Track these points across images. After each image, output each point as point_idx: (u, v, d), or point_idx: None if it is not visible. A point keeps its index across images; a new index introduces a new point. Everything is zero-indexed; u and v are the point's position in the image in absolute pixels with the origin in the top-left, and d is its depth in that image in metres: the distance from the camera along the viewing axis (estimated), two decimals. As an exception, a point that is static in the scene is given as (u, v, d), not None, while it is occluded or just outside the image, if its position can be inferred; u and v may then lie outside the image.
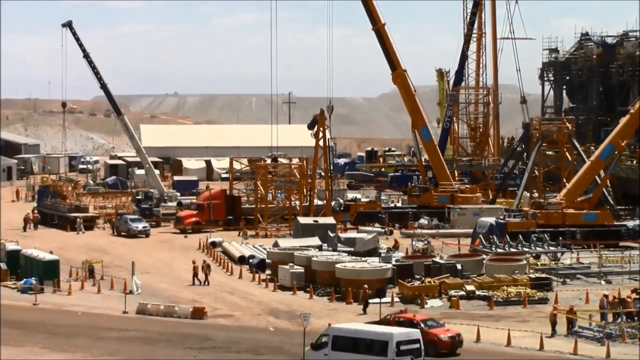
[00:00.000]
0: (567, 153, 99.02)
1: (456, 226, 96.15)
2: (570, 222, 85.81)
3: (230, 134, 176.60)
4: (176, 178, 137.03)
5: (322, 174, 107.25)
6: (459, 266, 67.87)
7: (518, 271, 66.62)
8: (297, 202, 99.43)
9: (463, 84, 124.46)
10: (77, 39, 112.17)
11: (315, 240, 78.31)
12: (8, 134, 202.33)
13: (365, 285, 61.60)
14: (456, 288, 64.05)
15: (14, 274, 70.63)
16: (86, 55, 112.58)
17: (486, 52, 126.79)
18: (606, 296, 56.06)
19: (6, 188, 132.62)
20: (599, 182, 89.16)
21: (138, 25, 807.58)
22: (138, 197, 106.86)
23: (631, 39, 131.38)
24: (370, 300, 60.76)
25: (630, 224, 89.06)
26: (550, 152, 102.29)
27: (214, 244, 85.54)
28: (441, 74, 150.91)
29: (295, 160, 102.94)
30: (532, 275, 66.83)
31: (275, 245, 77.33)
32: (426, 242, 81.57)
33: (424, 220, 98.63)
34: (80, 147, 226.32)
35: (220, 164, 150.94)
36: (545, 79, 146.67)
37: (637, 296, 56.57)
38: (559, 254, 76.12)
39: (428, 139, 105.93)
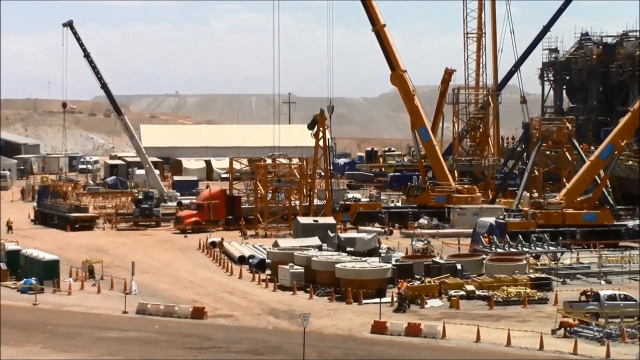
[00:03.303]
0: (567, 153, 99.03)
1: (456, 226, 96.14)
2: (570, 222, 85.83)
3: (230, 134, 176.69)
4: (176, 178, 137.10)
5: (322, 174, 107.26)
6: (459, 266, 67.87)
7: (518, 271, 66.63)
8: (297, 202, 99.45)
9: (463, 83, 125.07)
10: (78, 39, 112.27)
11: (315, 240, 78.31)
12: (8, 134, 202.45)
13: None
14: (456, 288, 64.04)
15: (14, 274, 70.58)
16: (87, 55, 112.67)
17: (486, 52, 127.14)
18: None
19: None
20: (599, 182, 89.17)
21: (138, 25, 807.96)
22: (139, 197, 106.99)
23: (631, 39, 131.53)
24: (370, 300, 60.91)
25: (630, 224, 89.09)
26: (550, 152, 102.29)
27: (213, 244, 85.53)
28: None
29: (295, 160, 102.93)
30: (532, 275, 66.84)
31: (275, 245, 77.33)
32: (426, 242, 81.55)
33: (423, 220, 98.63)
34: (80, 147, 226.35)
35: (220, 164, 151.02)
36: (545, 79, 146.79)
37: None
38: (558, 254, 76.12)
39: (427, 139, 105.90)
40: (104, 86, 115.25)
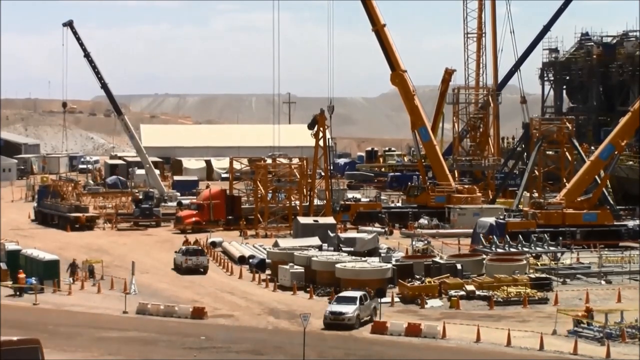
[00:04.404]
0: (567, 153, 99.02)
1: (456, 226, 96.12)
2: (570, 222, 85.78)
3: (230, 134, 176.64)
4: (176, 178, 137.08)
5: (322, 174, 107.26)
6: (459, 266, 67.85)
7: (518, 271, 66.61)
8: (297, 202, 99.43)
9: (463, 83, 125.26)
10: (78, 39, 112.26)
11: (315, 240, 78.31)
12: (8, 134, 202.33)
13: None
14: (456, 288, 64.03)
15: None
16: (87, 55, 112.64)
17: (486, 52, 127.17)
18: None
19: (6, 188, 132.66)
20: (599, 182, 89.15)
21: (138, 25, 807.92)
22: (139, 197, 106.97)
23: (631, 39, 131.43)
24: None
25: (630, 224, 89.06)
26: (550, 152, 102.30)
27: (214, 244, 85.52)
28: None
29: (295, 160, 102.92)
30: (532, 275, 66.83)
31: (275, 245, 77.34)
32: (426, 242, 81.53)
33: (423, 220, 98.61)
34: (80, 147, 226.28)
35: (220, 164, 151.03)
36: (545, 79, 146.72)
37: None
38: (559, 254, 76.11)
39: (427, 139, 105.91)
40: (104, 86, 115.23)
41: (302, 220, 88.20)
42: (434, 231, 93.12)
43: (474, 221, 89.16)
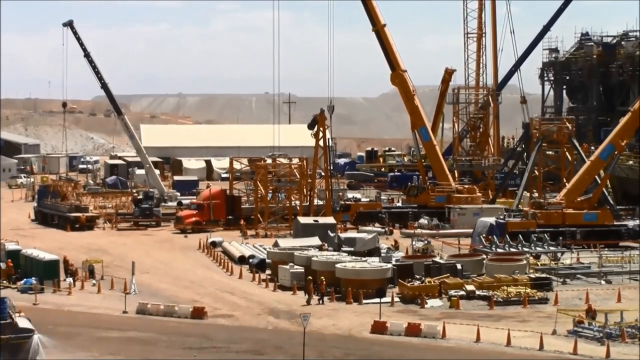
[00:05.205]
0: (567, 153, 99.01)
1: (456, 226, 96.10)
2: (570, 222, 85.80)
3: (230, 134, 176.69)
4: (176, 178, 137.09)
5: (322, 174, 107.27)
6: (459, 266, 67.86)
7: (518, 271, 66.62)
8: (297, 202, 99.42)
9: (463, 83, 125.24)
10: (78, 39, 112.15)
11: (316, 240, 78.31)
12: (8, 134, 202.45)
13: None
14: (456, 288, 64.05)
15: (14, 274, 70.49)
16: (87, 55, 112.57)
17: (486, 52, 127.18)
18: None
19: (6, 188, 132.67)
20: (599, 182, 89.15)
21: (138, 25, 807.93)
22: (139, 197, 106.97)
23: (631, 39, 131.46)
24: (370, 300, 60.98)
25: (630, 224, 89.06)
26: (550, 152, 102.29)
27: (214, 244, 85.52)
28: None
29: (295, 160, 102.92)
30: (532, 275, 66.83)
31: (275, 245, 77.34)
32: (426, 242, 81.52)
33: (423, 220, 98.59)
34: (80, 147, 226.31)
35: (220, 164, 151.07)
36: (545, 79, 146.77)
37: None
38: (559, 254, 76.11)
39: (427, 139, 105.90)
40: (104, 86, 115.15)
41: (302, 220, 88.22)
42: (434, 231, 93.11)
43: (474, 221, 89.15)
